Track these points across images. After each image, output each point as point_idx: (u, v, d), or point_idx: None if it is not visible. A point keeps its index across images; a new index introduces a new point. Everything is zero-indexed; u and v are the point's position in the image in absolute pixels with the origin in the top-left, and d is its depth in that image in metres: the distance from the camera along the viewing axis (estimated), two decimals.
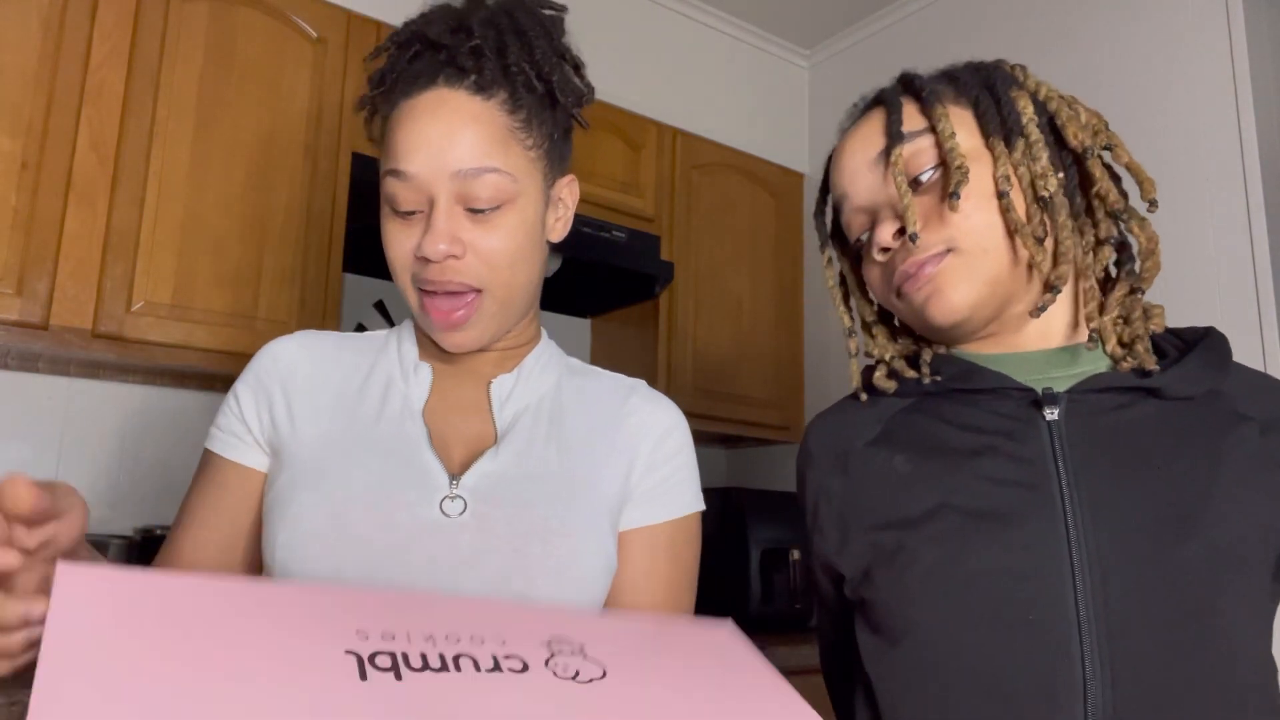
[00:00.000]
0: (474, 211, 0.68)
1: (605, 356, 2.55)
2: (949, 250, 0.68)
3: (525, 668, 0.42)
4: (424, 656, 0.40)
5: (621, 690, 0.44)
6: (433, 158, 0.66)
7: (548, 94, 0.72)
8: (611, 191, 2.28)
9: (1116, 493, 0.64)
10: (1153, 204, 0.69)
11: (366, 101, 0.74)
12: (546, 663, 0.43)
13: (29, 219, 1.55)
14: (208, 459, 0.75)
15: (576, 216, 2.13)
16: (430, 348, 0.78)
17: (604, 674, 0.44)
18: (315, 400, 0.73)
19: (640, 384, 0.82)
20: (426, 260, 0.68)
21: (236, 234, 1.74)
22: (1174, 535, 0.62)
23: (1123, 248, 0.73)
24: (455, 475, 0.70)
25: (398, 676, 0.38)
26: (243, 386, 0.75)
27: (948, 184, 0.67)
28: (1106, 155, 0.71)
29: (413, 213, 0.68)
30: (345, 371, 0.76)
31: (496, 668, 0.41)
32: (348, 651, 0.38)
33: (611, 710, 0.42)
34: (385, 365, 0.76)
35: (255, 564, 0.74)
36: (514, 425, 0.74)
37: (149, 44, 1.69)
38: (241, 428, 0.74)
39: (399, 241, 0.69)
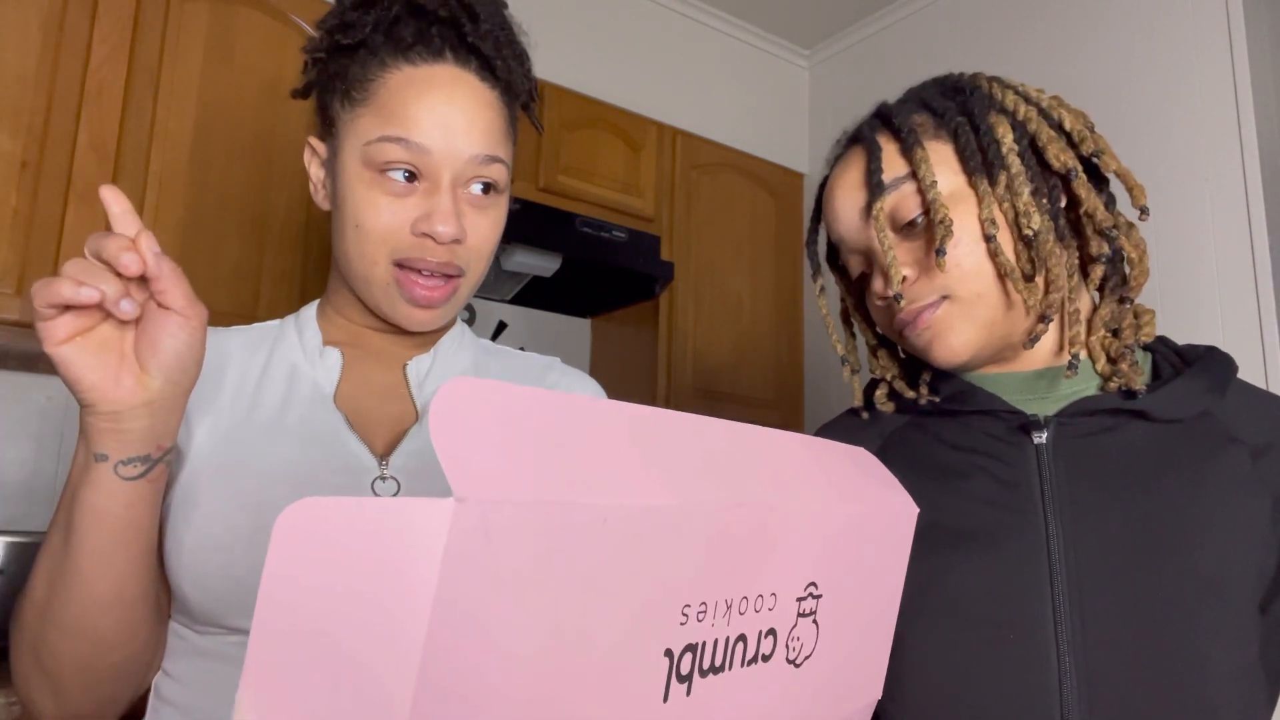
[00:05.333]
0: (473, 198, 0.68)
1: (605, 356, 2.54)
2: (944, 298, 0.68)
3: (770, 654, 0.46)
4: (715, 646, 0.42)
5: (820, 665, 0.51)
6: (452, 139, 0.65)
7: (527, 101, 0.74)
8: (611, 191, 2.28)
9: (1098, 516, 0.64)
10: (1143, 211, 0.68)
11: (323, 48, 0.69)
12: (789, 641, 0.48)
13: (29, 219, 1.55)
14: None
15: (576, 216, 2.15)
16: (336, 334, 0.74)
17: (812, 650, 0.50)
18: (207, 396, 0.68)
19: (556, 361, 0.83)
20: (427, 238, 0.66)
21: (236, 234, 1.74)
22: (1152, 559, 0.61)
23: (1111, 259, 0.71)
24: (382, 457, 0.68)
25: (688, 692, 0.41)
26: None
27: (934, 233, 0.67)
28: (1095, 160, 0.70)
29: (404, 183, 0.66)
30: (238, 364, 0.71)
31: (755, 658, 0.45)
32: (665, 652, 0.39)
33: (812, 689, 0.51)
34: (285, 353, 0.72)
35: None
36: None
37: (149, 44, 1.69)
38: None
39: (386, 211, 0.65)
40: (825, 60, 2.87)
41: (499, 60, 0.68)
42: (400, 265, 0.67)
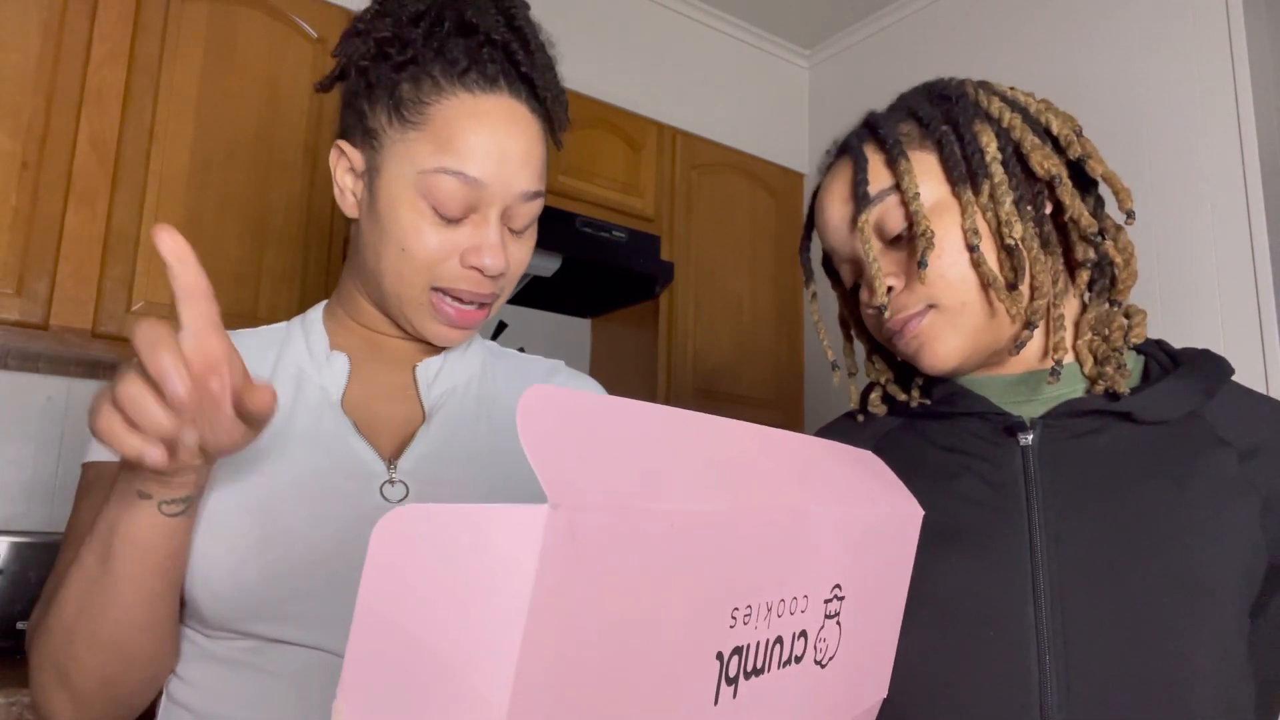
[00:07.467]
0: (512, 230, 0.69)
1: (605, 356, 2.54)
2: (931, 307, 0.68)
3: (801, 656, 0.47)
4: (757, 648, 0.43)
5: (841, 666, 0.52)
6: (508, 175, 0.66)
7: (558, 133, 0.74)
8: (611, 191, 2.28)
9: (1081, 517, 0.64)
10: (1130, 214, 0.69)
11: (367, 56, 0.67)
12: (816, 642, 0.49)
13: (29, 219, 1.55)
14: (98, 472, 0.66)
15: (576, 216, 2.15)
16: (344, 336, 0.74)
17: (835, 651, 0.51)
18: None
19: (561, 364, 0.84)
20: (474, 270, 0.67)
21: (236, 234, 1.74)
22: (1133, 560, 0.62)
23: (1097, 263, 0.72)
24: (390, 460, 0.68)
25: (735, 694, 0.41)
26: None
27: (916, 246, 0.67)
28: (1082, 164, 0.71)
29: (453, 216, 0.66)
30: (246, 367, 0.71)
31: (789, 660, 0.46)
32: (716, 655, 0.40)
33: (834, 689, 0.52)
34: (292, 358, 0.72)
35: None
36: (443, 404, 0.73)
37: (149, 44, 1.69)
38: None
39: (434, 239, 0.66)
40: (825, 60, 2.87)
41: (548, 93, 0.69)
42: (437, 290, 0.68)
